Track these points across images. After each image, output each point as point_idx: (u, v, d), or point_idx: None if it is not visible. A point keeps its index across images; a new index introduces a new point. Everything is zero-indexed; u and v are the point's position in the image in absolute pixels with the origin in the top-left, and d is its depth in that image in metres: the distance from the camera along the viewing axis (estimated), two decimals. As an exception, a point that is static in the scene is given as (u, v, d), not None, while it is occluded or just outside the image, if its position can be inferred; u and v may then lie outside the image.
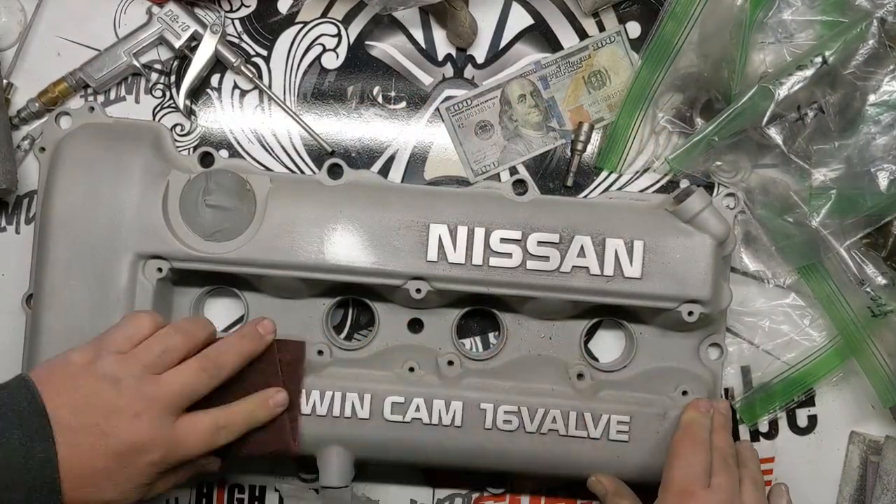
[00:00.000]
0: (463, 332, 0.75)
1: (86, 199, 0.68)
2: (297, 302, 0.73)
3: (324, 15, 0.76)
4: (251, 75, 0.74)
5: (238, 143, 0.75)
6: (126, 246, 0.68)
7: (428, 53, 0.76)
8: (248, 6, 0.75)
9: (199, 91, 0.75)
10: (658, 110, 0.75)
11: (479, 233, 0.69)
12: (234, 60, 0.73)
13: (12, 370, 0.72)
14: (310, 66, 0.75)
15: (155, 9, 0.73)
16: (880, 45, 0.68)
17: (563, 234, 0.69)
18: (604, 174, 0.76)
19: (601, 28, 0.76)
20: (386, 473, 0.75)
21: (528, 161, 0.76)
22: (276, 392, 0.65)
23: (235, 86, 0.75)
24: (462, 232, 0.69)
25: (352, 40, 0.76)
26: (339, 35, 0.76)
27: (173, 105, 0.75)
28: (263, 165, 0.75)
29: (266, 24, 0.75)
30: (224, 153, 0.75)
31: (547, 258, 0.69)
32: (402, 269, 0.69)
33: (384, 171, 0.75)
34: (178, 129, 0.75)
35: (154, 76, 0.75)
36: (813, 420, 0.77)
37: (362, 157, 0.75)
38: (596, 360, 0.75)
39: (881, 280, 0.72)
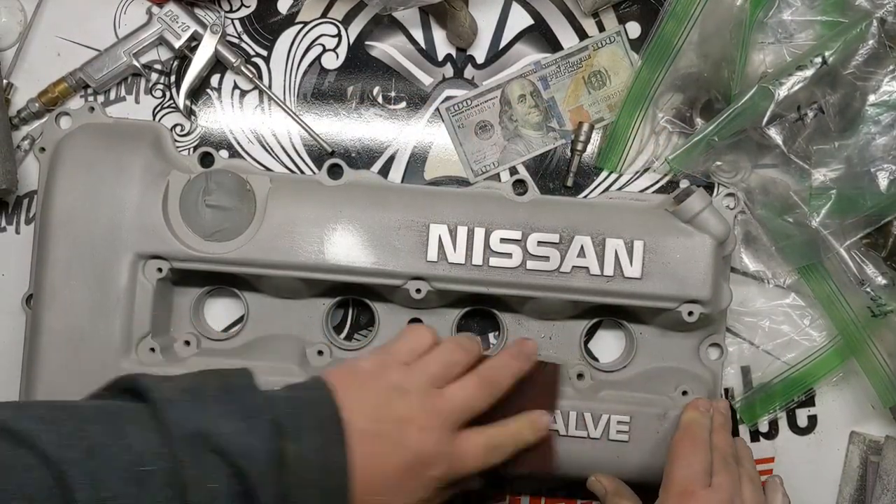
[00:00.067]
0: (463, 331, 0.75)
1: (86, 199, 0.68)
2: (297, 302, 0.73)
3: (324, 15, 0.76)
4: (251, 75, 0.74)
5: (238, 143, 0.75)
6: (126, 246, 0.68)
7: (428, 54, 0.76)
8: (248, 6, 0.75)
9: (199, 91, 0.75)
10: (658, 110, 0.75)
11: (479, 233, 0.69)
12: (234, 61, 0.73)
13: (12, 370, 0.72)
14: (310, 66, 0.75)
15: (155, 9, 0.73)
16: (880, 46, 0.68)
17: (563, 234, 0.69)
18: (604, 174, 0.76)
19: (601, 28, 0.76)
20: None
21: (528, 161, 0.76)
22: (541, 414, 0.64)
23: (235, 86, 0.75)
24: (462, 232, 0.69)
25: (352, 40, 0.76)
26: (339, 35, 0.76)
27: (173, 105, 0.75)
28: (263, 165, 0.75)
29: (266, 25, 0.75)
30: (224, 153, 0.75)
31: (547, 258, 0.69)
32: (402, 269, 0.69)
33: (384, 171, 0.75)
34: (178, 129, 0.75)
35: (154, 76, 0.75)
36: (813, 420, 0.77)
37: (362, 158, 0.75)
38: (596, 360, 0.75)
39: (881, 280, 0.72)
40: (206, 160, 0.72)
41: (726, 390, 0.76)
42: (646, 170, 0.76)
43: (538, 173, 0.76)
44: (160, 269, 0.69)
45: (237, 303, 0.74)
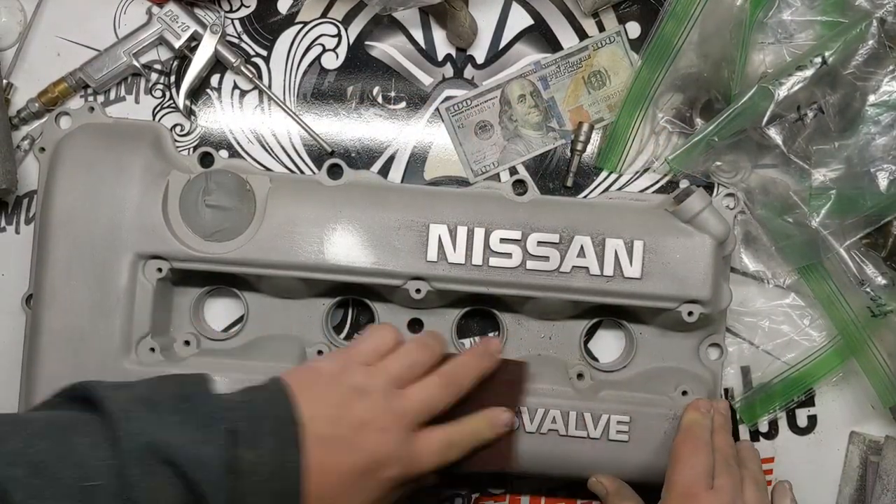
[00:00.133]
0: (463, 332, 0.75)
1: (86, 199, 0.68)
2: (297, 302, 0.73)
3: (324, 15, 0.76)
4: (251, 75, 0.74)
5: (238, 143, 0.75)
6: (126, 246, 0.68)
7: (428, 54, 0.76)
8: (247, 6, 0.75)
9: (198, 91, 0.75)
10: (658, 110, 0.75)
11: (479, 233, 0.69)
12: (233, 60, 0.73)
13: (12, 370, 0.72)
14: (310, 66, 0.75)
15: (155, 9, 0.73)
16: (880, 46, 0.68)
17: (562, 235, 0.69)
18: (604, 174, 0.76)
19: (601, 28, 0.76)
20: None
21: (527, 161, 0.76)
22: (502, 412, 0.64)
23: (235, 86, 0.75)
24: (462, 232, 0.69)
25: (352, 40, 0.76)
26: (338, 35, 0.76)
27: (173, 105, 0.75)
28: (263, 165, 0.75)
29: (266, 25, 0.75)
30: (224, 153, 0.75)
31: (547, 258, 0.69)
32: (402, 269, 0.69)
33: (384, 171, 0.75)
34: (177, 129, 0.75)
35: (154, 76, 0.75)
36: (813, 420, 0.77)
37: (362, 158, 0.75)
38: (596, 360, 0.75)
39: (881, 280, 0.72)
40: (206, 160, 0.72)
41: (726, 390, 0.76)
42: (646, 170, 0.76)
43: (538, 173, 0.76)
44: (160, 269, 0.69)
45: (237, 303, 0.74)
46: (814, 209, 0.70)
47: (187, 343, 0.71)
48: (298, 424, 0.55)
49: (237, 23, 0.75)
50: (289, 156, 0.75)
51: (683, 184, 0.75)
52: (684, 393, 0.72)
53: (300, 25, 0.76)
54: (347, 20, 0.76)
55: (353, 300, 0.74)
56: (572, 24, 0.76)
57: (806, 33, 0.71)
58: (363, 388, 0.58)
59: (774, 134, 0.70)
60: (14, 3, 0.74)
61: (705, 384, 0.73)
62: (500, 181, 0.75)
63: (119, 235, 0.68)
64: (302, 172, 0.75)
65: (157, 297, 0.69)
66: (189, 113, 0.75)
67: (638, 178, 0.76)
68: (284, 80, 0.75)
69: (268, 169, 0.75)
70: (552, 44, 0.76)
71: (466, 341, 0.75)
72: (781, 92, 0.69)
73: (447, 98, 0.76)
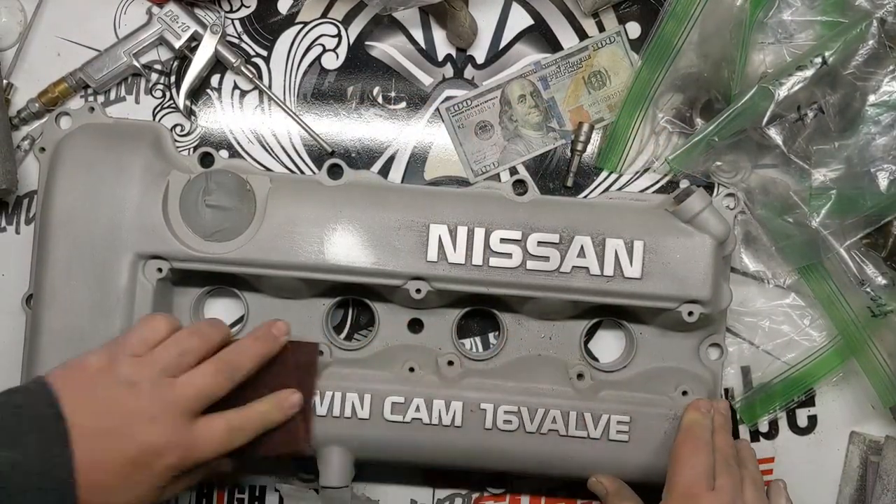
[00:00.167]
0: (463, 332, 0.75)
1: (86, 199, 0.68)
2: (297, 302, 0.73)
3: (324, 15, 0.76)
4: (251, 76, 0.74)
5: (238, 143, 0.75)
6: (126, 246, 0.68)
7: (428, 54, 0.76)
8: (248, 6, 0.75)
9: (199, 91, 0.75)
10: (658, 110, 0.75)
11: (479, 233, 0.69)
12: (234, 61, 0.73)
13: (12, 370, 0.72)
14: (310, 66, 0.75)
15: (155, 9, 0.73)
16: (880, 46, 0.69)
17: (563, 235, 0.69)
18: (604, 174, 0.76)
19: (601, 28, 0.76)
20: (386, 473, 0.75)
21: (528, 161, 0.76)
22: (290, 394, 0.65)
23: (235, 86, 0.75)
24: (462, 232, 0.69)
25: (352, 41, 0.76)
26: (339, 35, 0.76)
27: (173, 105, 0.75)
28: (263, 165, 0.75)
29: (266, 25, 0.75)
30: (224, 153, 0.75)
31: (547, 258, 0.69)
32: (402, 269, 0.69)
33: (384, 171, 0.75)
34: (178, 129, 0.75)
35: (154, 76, 0.75)
36: (813, 420, 0.77)
37: (362, 158, 0.75)
38: (596, 360, 0.75)
39: (881, 280, 0.72)
40: (206, 160, 0.72)
41: (726, 390, 0.76)
42: (646, 170, 0.76)
43: (538, 173, 0.76)
44: (160, 269, 0.69)
45: (237, 303, 0.74)
46: (814, 209, 0.70)
47: (187, 343, 0.71)
48: (63, 420, 0.55)
49: (237, 23, 0.75)
50: (289, 156, 0.75)
51: (683, 184, 0.75)
52: (684, 393, 0.72)
53: (300, 25, 0.76)
54: (347, 20, 0.76)
55: (353, 300, 0.74)
56: (572, 25, 0.76)
57: (806, 33, 0.71)
58: (131, 380, 0.58)
59: (774, 134, 0.70)
60: (14, 3, 0.74)
61: (705, 384, 0.73)
62: (500, 181, 0.75)
63: (119, 235, 0.68)
64: (302, 172, 0.75)
65: (157, 297, 0.69)
66: (189, 113, 0.75)
67: (638, 178, 0.76)
68: (284, 81, 0.75)
69: (268, 169, 0.75)
70: (552, 44, 0.76)
71: (466, 341, 0.75)
72: (781, 92, 0.69)
73: (447, 98, 0.76)
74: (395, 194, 0.71)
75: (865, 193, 0.70)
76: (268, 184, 0.70)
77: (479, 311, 0.74)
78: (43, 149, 0.72)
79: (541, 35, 0.76)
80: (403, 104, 0.76)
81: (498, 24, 0.76)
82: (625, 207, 0.73)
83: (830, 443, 0.76)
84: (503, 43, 0.76)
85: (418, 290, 0.69)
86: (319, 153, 0.75)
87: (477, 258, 0.69)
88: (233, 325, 0.74)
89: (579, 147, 0.75)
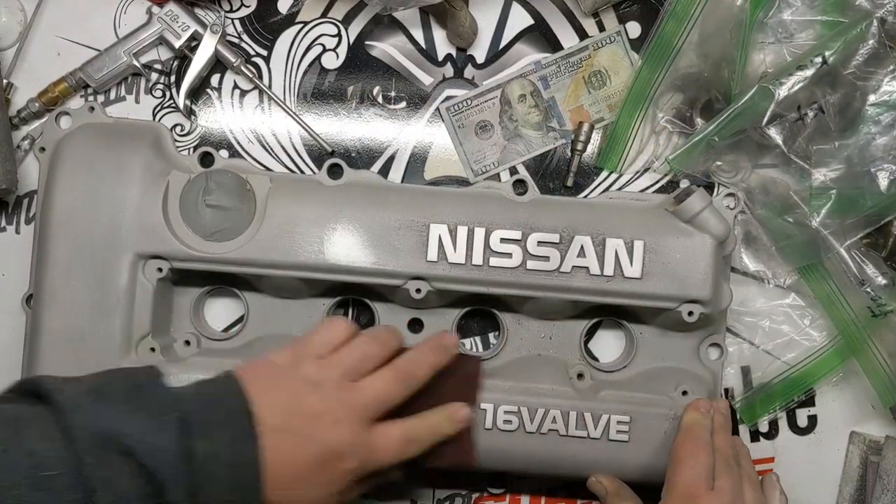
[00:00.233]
0: (463, 332, 0.75)
1: (86, 199, 0.68)
2: (297, 302, 0.73)
3: (324, 15, 0.76)
4: (251, 75, 0.74)
5: (238, 143, 0.75)
6: (126, 246, 0.68)
7: (428, 53, 0.76)
8: (248, 6, 0.75)
9: (199, 91, 0.75)
10: (658, 110, 0.75)
11: (479, 233, 0.69)
12: (234, 60, 0.73)
13: (12, 370, 0.72)
14: (310, 66, 0.75)
15: (155, 9, 0.73)
16: (880, 45, 0.68)
17: (563, 234, 0.69)
18: (604, 174, 0.76)
19: (601, 28, 0.76)
20: (386, 473, 0.75)
21: (528, 161, 0.76)
22: (460, 407, 0.64)
23: (235, 86, 0.75)
24: (462, 232, 0.69)
25: (352, 40, 0.76)
26: (339, 35, 0.76)
27: (173, 105, 0.75)
28: (263, 165, 0.75)
29: (266, 24, 0.75)
30: (224, 153, 0.75)
31: (547, 258, 0.69)
32: (402, 269, 0.69)
33: (384, 171, 0.75)
34: (178, 129, 0.75)
35: (154, 76, 0.75)
36: (813, 420, 0.77)
37: (362, 157, 0.75)
38: (596, 360, 0.75)
39: (881, 280, 0.72)
40: (206, 160, 0.72)
41: (726, 390, 0.76)
42: (646, 170, 0.76)
43: (538, 173, 0.76)
44: (160, 269, 0.69)
45: (237, 303, 0.74)
46: (814, 209, 0.70)
47: (187, 343, 0.71)
48: (252, 415, 0.55)
49: (237, 23, 0.75)
50: (289, 156, 0.75)
51: (684, 184, 0.75)
52: (684, 393, 0.72)
53: (300, 25, 0.76)
54: (348, 20, 0.76)
55: (354, 300, 0.74)
56: (572, 24, 0.76)
57: (806, 33, 0.71)
58: (316, 380, 0.59)
59: (775, 134, 0.70)
60: (14, 2, 0.74)
61: (705, 384, 0.73)
62: (500, 181, 0.75)
63: (119, 235, 0.68)
64: (302, 172, 0.75)
65: (157, 297, 0.69)
66: (189, 113, 0.75)
67: (638, 177, 0.76)
68: (285, 80, 0.75)
69: (268, 169, 0.75)
70: (552, 44, 0.76)
71: (466, 341, 0.75)
72: (782, 92, 0.68)
73: (447, 98, 0.76)
74: (395, 194, 0.71)
75: (865, 193, 0.70)
76: (268, 183, 0.70)
77: (479, 311, 0.74)
78: (43, 148, 0.72)
79: (541, 35, 0.76)
80: (403, 104, 0.76)
81: (498, 23, 0.76)
82: (625, 207, 0.73)
83: (830, 443, 0.76)
84: (503, 43, 0.76)
85: (418, 290, 0.69)
86: (319, 153, 0.75)
87: (477, 258, 0.69)
88: (233, 325, 0.75)
89: (579, 147, 0.75)
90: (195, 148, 0.74)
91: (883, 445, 0.75)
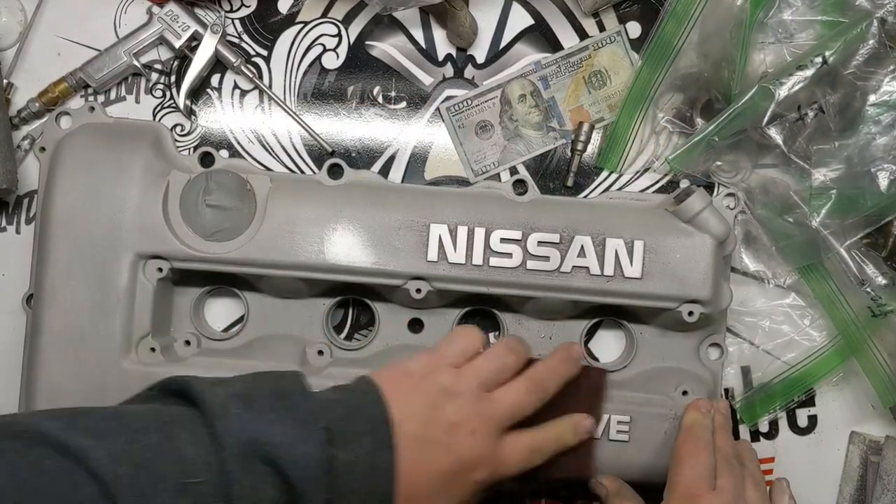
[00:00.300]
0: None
1: (86, 199, 0.68)
2: (298, 302, 0.73)
3: (324, 15, 0.76)
4: (251, 75, 0.74)
5: (238, 143, 0.75)
6: (126, 246, 0.68)
7: (428, 53, 0.76)
8: (248, 6, 0.75)
9: (199, 91, 0.75)
10: (658, 110, 0.75)
11: (480, 233, 0.69)
12: (234, 60, 0.73)
13: (12, 370, 0.72)
14: (310, 66, 0.75)
15: (155, 9, 0.73)
16: (880, 46, 0.68)
17: (563, 234, 0.69)
18: (604, 174, 0.76)
19: (601, 28, 0.76)
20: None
21: (528, 161, 0.76)
22: (584, 418, 0.64)
23: (236, 86, 0.75)
24: (462, 232, 0.69)
25: (352, 40, 0.76)
26: (339, 35, 0.76)
27: (173, 105, 0.75)
28: (263, 165, 0.75)
29: (266, 25, 0.75)
30: (224, 153, 0.75)
31: (547, 258, 0.69)
32: (403, 269, 0.69)
33: (384, 171, 0.75)
34: (178, 129, 0.75)
35: (154, 76, 0.75)
36: (813, 420, 0.77)
37: (362, 157, 0.75)
38: (596, 360, 0.75)
39: (881, 280, 0.72)
40: (207, 160, 0.72)
41: (726, 390, 0.76)
42: (646, 170, 0.76)
43: (538, 173, 0.76)
44: (160, 269, 0.69)
45: (237, 303, 0.74)
46: (814, 209, 0.70)
47: (188, 343, 0.71)
48: (392, 425, 0.55)
49: (237, 23, 0.75)
50: (289, 156, 0.75)
51: (684, 184, 0.75)
52: (684, 393, 0.72)
53: (300, 25, 0.76)
54: (348, 20, 0.76)
55: (354, 300, 0.74)
56: (573, 24, 0.76)
57: (806, 33, 0.71)
58: (453, 390, 0.58)
59: (775, 134, 0.70)
60: (14, 2, 0.74)
61: (705, 384, 0.73)
62: (500, 181, 0.75)
63: (119, 235, 0.68)
64: (302, 172, 0.75)
65: (157, 297, 0.69)
66: (189, 113, 0.75)
67: (638, 177, 0.76)
68: (285, 80, 0.75)
69: (268, 169, 0.75)
70: (552, 44, 0.76)
71: (467, 341, 0.75)
72: (782, 92, 0.69)
73: (447, 98, 0.76)
74: (396, 194, 0.71)
75: (866, 193, 0.70)
76: (268, 183, 0.70)
77: (480, 311, 0.74)
78: (43, 148, 0.72)
79: (541, 35, 0.76)
80: (404, 104, 0.76)
81: (498, 23, 0.76)
82: (625, 207, 0.73)
83: (830, 443, 0.76)
84: (503, 43, 0.76)
85: (418, 290, 0.69)
86: (320, 153, 0.75)
87: (477, 258, 0.69)
88: (233, 325, 0.75)
89: (579, 147, 0.75)
90: (195, 148, 0.74)
91: (883, 445, 0.75)
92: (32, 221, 0.74)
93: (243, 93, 0.75)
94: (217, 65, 0.75)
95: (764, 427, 0.77)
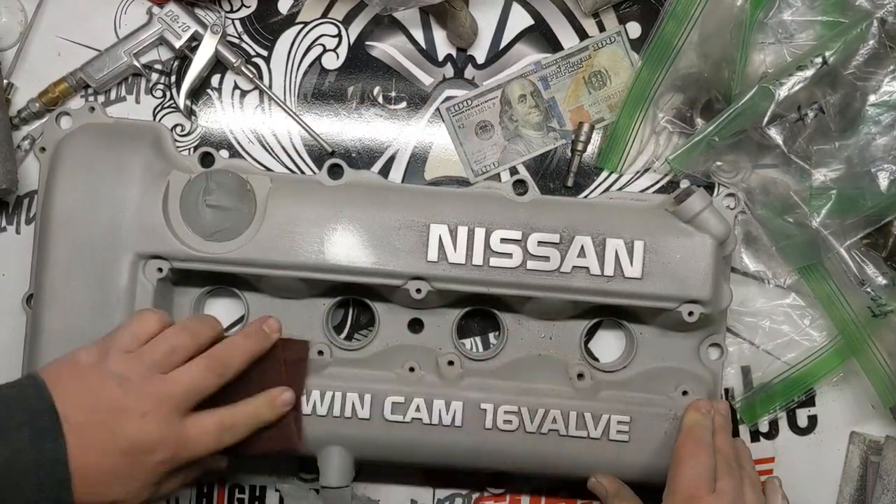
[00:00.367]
0: (463, 332, 0.75)
1: (86, 199, 0.68)
2: (298, 302, 0.73)
3: (324, 15, 0.76)
4: (251, 75, 0.74)
5: (238, 143, 0.75)
6: (126, 246, 0.68)
7: (428, 54, 0.76)
8: (248, 6, 0.75)
9: (199, 91, 0.75)
10: (658, 110, 0.75)
11: (480, 233, 0.69)
12: (234, 61, 0.73)
13: (12, 370, 0.72)
14: (310, 66, 0.75)
15: (155, 9, 0.73)
16: (880, 46, 0.69)
17: (563, 235, 0.69)
18: (604, 174, 0.76)
19: (601, 28, 0.76)
20: (386, 473, 0.75)
21: (528, 161, 0.76)
22: (281, 391, 0.65)
23: (236, 86, 0.75)
24: (462, 232, 0.69)
25: (352, 40, 0.76)
26: (339, 35, 0.76)
27: (174, 105, 0.75)
28: (263, 165, 0.75)
29: (266, 25, 0.75)
30: (224, 153, 0.75)
31: (547, 258, 0.69)
32: (403, 269, 0.69)
33: (384, 171, 0.75)
34: (178, 129, 0.75)
35: (154, 76, 0.75)
36: (813, 420, 0.77)
37: (362, 158, 0.75)
38: (596, 360, 0.75)
39: (881, 280, 0.72)
40: (207, 160, 0.72)
41: (726, 390, 0.76)
42: (646, 170, 0.76)
43: (538, 173, 0.76)
44: (160, 269, 0.69)
45: (237, 303, 0.74)
46: (814, 209, 0.70)
47: (188, 343, 0.71)
48: (55, 413, 0.55)
49: (238, 23, 0.75)
50: (289, 156, 0.75)
51: (684, 184, 0.75)
52: (685, 393, 0.72)
53: (301, 26, 0.76)
54: (348, 20, 0.76)
55: (354, 300, 0.74)
56: (573, 24, 0.76)
57: (806, 33, 0.71)
58: (121, 375, 0.58)
59: (775, 134, 0.70)
60: (14, 3, 0.74)
61: (705, 384, 0.73)
62: (500, 181, 0.75)
63: (119, 235, 0.68)
64: (302, 172, 0.75)
65: (157, 297, 0.69)
66: (189, 113, 0.75)
67: (638, 178, 0.76)
68: (285, 81, 0.75)
69: (268, 169, 0.75)
70: (552, 44, 0.76)
71: (467, 341, 0.75)
72: (782, 92, 0.69)
73: (448, 98, 0.76)
74: (396, 194, 0.71)
75: (866, 193, 0.70)
76: (268, 184, 0.70)
77: (480, 311, 0.74)
78: (43, 149, 0.72)
79: (541, 35, 0.76)
80: (404, 104, 0.76)
81: (498, 24, 0.76)
82: (625, 207, 0.73)
83: (830, 443, 0.76)
84: (503, 43, 0.76)
85: (418, 290, 0.69)
86: (320, 153, 0.75)
87: (477, 258, 0.69)
88: (233, 325, 0.75)
89: (579, 147, 0.75)
90: (195, 148, 0.74)
91: (883, 445, 0.75)
92: (32, 221, 0.74)
93: (243, 93, 0.75)
94: (217, 65, 0.75)
95: (764, 427, 0.77)
